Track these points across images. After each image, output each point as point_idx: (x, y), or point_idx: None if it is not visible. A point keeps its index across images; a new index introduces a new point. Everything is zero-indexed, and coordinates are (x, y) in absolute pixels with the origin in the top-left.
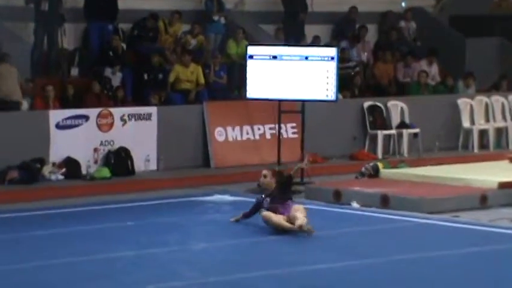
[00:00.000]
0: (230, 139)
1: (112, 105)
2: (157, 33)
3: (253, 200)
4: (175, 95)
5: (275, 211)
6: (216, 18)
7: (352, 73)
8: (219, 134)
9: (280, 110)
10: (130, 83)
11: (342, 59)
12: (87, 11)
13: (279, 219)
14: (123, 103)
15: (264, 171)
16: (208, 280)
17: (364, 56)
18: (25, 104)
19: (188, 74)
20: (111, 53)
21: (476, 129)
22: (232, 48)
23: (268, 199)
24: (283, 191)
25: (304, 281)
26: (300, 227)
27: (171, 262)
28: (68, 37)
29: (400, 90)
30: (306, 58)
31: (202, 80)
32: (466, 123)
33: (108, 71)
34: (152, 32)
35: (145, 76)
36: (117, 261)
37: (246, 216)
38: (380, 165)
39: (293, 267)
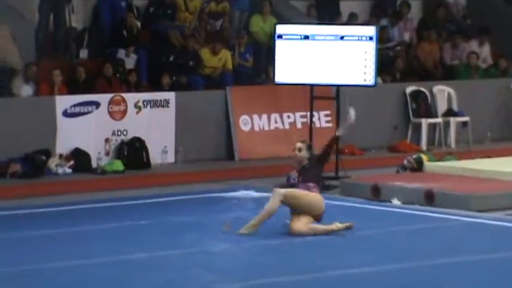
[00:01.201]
0: (256, 128)
1: (125, 90)
2: (175, 10)
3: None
4: (196, 78)
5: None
6: None
7: (393, 54)
8: (244, 122)
9: (313, 96)
10: (145, 66)
11: (382, 39)
12: None
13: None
14: (137, 88)
15: (299, 144)
16: (228, 286)
17: (407, 36)
18: (29, 90)
19: (216, 61)
20: (124, 33)
21: None
22: (256, 25)
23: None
24: (315, 168)
25: (338, 286)
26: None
27: (187, 265)
28: (77, 15)
29: (447, 73)
30: (342, 38)
31: (230, 65)
32: None
33: (121, 53)
34: (170, 8)
35: (164, 58)
36: (128, 264)
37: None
38: (424, 157)
39: (324, 271)
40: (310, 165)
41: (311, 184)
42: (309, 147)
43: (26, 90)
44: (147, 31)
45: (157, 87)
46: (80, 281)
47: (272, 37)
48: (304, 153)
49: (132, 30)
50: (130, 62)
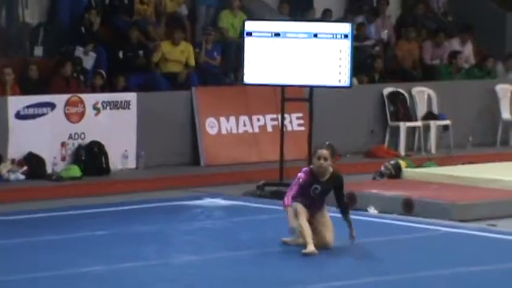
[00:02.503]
0: (224, 132)
1: (83, 91)
2: (132, 2)
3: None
4: (158, 77)
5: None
6: None
7: (371, 53)
8: (210, 125)
9: (284, 97)
10: (105, 65)
11: (358, 37)
12: None
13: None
14: (95, 89)
15: (323, 152)
16: None
17: (385, 34)
18: None
19: (178, 54)
20: (83, 29)
21: None
22: (225, 21)
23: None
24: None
25: None
26: (326, 244)
27: (149, 279)
28: (31, 10)
29: (427, 74)
30: (315, 36)
31: (192, 62)
32: (505, 114)
33: (79, 51)
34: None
35: (121, 55)
36: (84, 278)
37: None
38: (402, 163)
39: (298, 285)
40: (328, 183)
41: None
42: (333, 154)
43: None
44: (107, 27)
45: (116, 87)
46: None
47: (241, 34)
48: (330, 162)
49: (92, 27)
50: (88, 61)
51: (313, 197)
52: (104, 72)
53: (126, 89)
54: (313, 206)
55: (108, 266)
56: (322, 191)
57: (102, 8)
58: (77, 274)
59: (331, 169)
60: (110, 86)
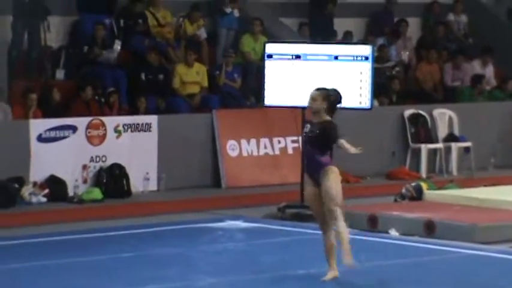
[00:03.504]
0: (245, 154)
1: (105, 113)
2: (145, 19)
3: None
4: (178, 100)
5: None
6: (228, 10)
7: (390, 74)
8: (231, 148)
9: (304, 119)
10: (124, 88)
11: (379, 59)
12: (79, 2)
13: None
14: (117, 111)
15: (313, 93)
16: None
17: (405, 56)
18: None
19: (194, 75)
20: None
21: None
22: (247, 45)
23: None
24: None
25: None
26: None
27: None
28: (53, 33)
29: (448, 96)
30: (336, 58)
31: (205, 83)
32: None
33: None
34: (140, 17)
35: (143, 77)
36: None
37: None
38: (424, 185)
39: None
40: (317, 126)
41: (320, 159)
42: (328, 97)
43: None
44: (126, 50)
45: (137, 110)
46: None
47: (262, 56)
48: (320, 104)
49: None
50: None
51: (306, 142)
52: (115, 90)
53: (147, 111)
54: (309, 160)
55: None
56: (310, 132)
57: (118, 29)
58: None
59: (326, 116)
60: (131, 108)
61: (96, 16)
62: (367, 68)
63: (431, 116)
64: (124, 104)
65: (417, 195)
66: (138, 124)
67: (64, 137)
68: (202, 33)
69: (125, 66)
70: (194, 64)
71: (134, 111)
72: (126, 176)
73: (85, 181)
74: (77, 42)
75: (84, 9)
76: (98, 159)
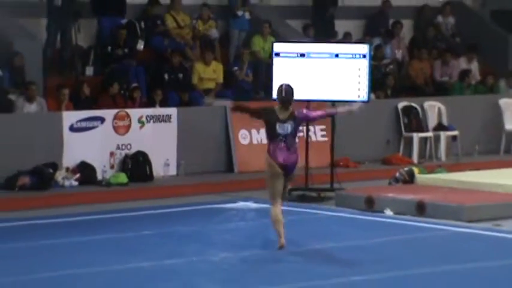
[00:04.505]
0: (255, 142)
1: (129, 106)
2: (164, 21)
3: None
4: (196, 94)
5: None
6: (240, 13)
7: (385, 71)
8: (243, 137)
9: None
10: (143, 83)
11: (375, 57)
12: (95, 6)
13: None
14: (139, 104)
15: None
16: None
17: (399, 54)
18: (31, 108)
19: (211, 73)
20: (126, 51)
21: None
22: (257, 45)
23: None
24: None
25: None
26: None
27: (189, 274)
28: (83, 34)
29: (438, 90)
30: (336, 56)
31: (221, 79)
32: (508, 125)
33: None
34: (158, 19)
35: (166, 76)
36: (132, 273)
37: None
38: (415, 170)
39: (324, 279)
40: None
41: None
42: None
43: (28, 108)
44: (148, 49)
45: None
46: None
47: (271, 55)
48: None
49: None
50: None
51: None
52: (138, 85)
53: (165, 103)
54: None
55: (152, 262)
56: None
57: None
58: (126, 269)
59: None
60: (149, 101)
61: (111, 19)
62: (364, 65)
63: (422, 107)
64: (143, 97)
65: (410, 179)
66: (160, 116)
67: (93, 127)
68: (214, 34)
69: (146, 64)
70: (211, 62)
71: (152, 103)
72: (148, 162)
73: (112, 167)
74: (101, 43)
75: (100, 13)
76: (123, 147)
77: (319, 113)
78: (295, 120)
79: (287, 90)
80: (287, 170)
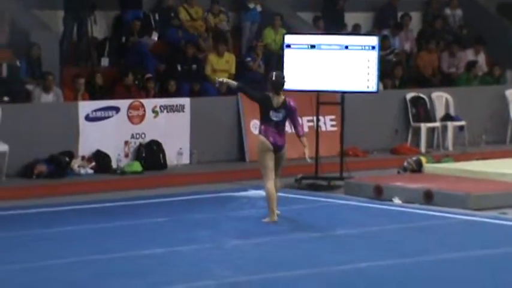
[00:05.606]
0: None
1: (143, 96)
2: (177, 14)
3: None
4: (208, 85)
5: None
6: (251, 5)
7: (392, 59)
8: (254, 126)
9: (319, 101)
10: (153, 73)
11: (383, 48)
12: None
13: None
14: (154, 94)
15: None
16: (241, 279)
17: (407, 45)
18: (48, 98)
19: (224, 64)
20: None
21: None
22: (269, 37)
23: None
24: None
25: (344, 280)
26: None
27: (202, 260)
28: (99, 26)
29: (445, 81)
30: (346, 47)
31: (233, 70)
32: None
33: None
34: (171, 11)
35: (179, 68)
36: (147, 259)
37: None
38: (423, 159)
39: (332, 266)
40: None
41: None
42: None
43: (45, 98)
44: (163, 41)
45: (170, 93)
46: (103, 274)
47: (282, 46)
48: None
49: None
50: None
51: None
52: (151, 76)
53: (178, 93)
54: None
55: (167, 248)
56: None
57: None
58: (140, 255)
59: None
60: (162, 91)
61: (133, 11)
62: (373, 56)
63: (430, 98)
64: (156, 88)
65: (417, 168)
66: (173, 105)
67: (108, 117)
68: (225, 26)
69: (161, 55)
70: (224, 54)
71: (164, 94)
72: (162, 151)
73: (127, 155)
74: (118, 34)
75: (124, 5)
76: (137, 136)
77: (298, 119)
78: (286, 108)
79: (277, 76)
80: (276, 147)
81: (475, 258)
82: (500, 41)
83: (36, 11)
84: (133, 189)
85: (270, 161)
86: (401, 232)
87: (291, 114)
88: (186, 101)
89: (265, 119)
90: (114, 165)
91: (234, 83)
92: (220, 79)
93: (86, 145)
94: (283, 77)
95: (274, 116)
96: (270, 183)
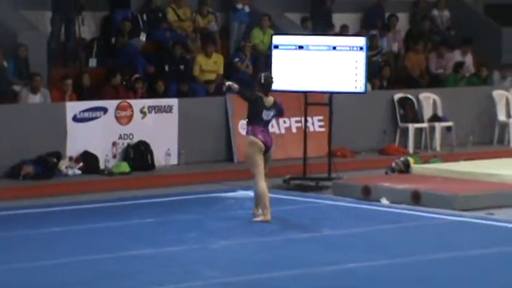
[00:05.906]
0: None
1: (131, 97)
2: (164, 13)
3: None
4: (196, 86)
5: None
6: (239, 6)
7: (381, 60)
8: (243, 127)
9: (307, 102)
10: (142, 73)
11: (371, 48)
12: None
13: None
14: (142, 95)
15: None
16: (229, 280)
17: (395, 46)
18: (35, 98)
19: (212, 65)
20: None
21: None
22: (257, 37)
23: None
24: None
25: (331, 280)
26: None
27: (190, 261)
28: (87, 26)
29: (433, 82)
30: (334, 48)
31: (221, 71)
32: (501, 117)
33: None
34: (159, 12)
35: (166, 68)
36: (135, 260)
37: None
38: (411, 160)
39: (321, 266)
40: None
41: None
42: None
43: (32, 99)
44: (151, 42)
45: (158, 94)
46: (90, 275)
47: (270, 47)
48: None
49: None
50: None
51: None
52: (139, 76)
53: (166, 93)
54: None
55: (155, 249)
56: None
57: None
58: (128, 256)
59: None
60: (149, 92)
61: (122, 12)
62: (361, 57)
63: (417, 99)
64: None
65: (405, 169)
66: (161, 106)
67: (96, 117)
68: (213, 27)
69: (149, 55)
70: (213, 54)
71: (152, 94)
72: (150, 151)
73: (114, 156)
74: (106, 34)
75: (114, 5)
76: (125, 136)
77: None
78: (276, 108)
79: (266, 77)
80: (267, 147)
81: (463, 258)
82: (487, 42)
83: (24, 12)
84: (121, 189)
85: (261, 161)
86: (389, 232)
87: (280, 113)
88: (174, 102)
89: (255, 119)
90: (102, 165)
91: (236, 86)
92: (228, 83)
93: (74, 146)
94: (272, 78)
95: (266, 116)
96: (263, 182)
